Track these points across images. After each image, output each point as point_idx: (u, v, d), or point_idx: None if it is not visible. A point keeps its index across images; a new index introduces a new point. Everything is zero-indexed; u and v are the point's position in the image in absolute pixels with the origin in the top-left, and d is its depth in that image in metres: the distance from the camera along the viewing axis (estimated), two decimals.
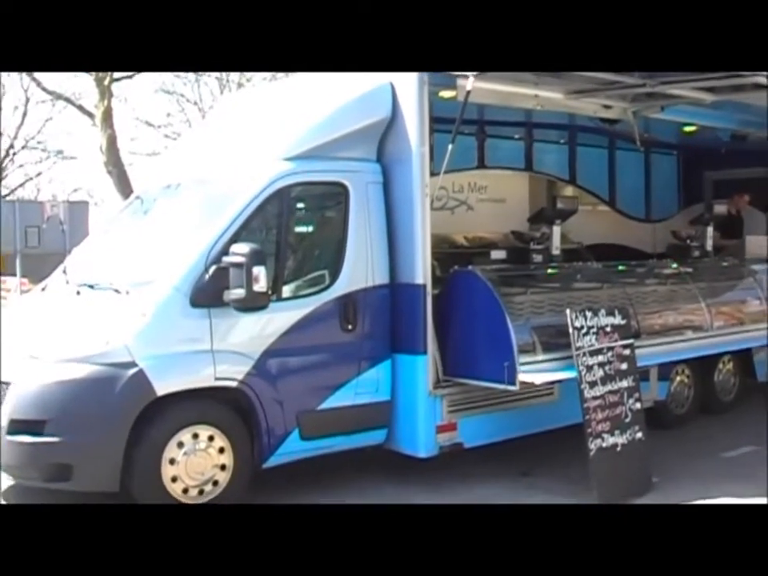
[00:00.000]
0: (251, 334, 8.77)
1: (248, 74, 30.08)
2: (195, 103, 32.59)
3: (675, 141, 15.66)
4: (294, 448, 9.06)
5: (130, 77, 26.43)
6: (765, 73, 9.49)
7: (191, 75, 31.00)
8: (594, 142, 14.90)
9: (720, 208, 13.72)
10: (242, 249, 8.45)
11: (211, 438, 8.59)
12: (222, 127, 11.05)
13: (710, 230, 13.52)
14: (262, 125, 10.14)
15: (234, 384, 8.66)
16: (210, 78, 31.39)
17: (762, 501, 8.73)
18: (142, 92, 38.05)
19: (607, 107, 11.56)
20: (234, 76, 30.91)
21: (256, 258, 8.40)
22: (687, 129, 13.59)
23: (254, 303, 8.52)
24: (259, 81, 28.01)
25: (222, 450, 8.65)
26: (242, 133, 10.31)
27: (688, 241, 13.32)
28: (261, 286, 8.41)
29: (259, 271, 8.38)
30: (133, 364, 8.22)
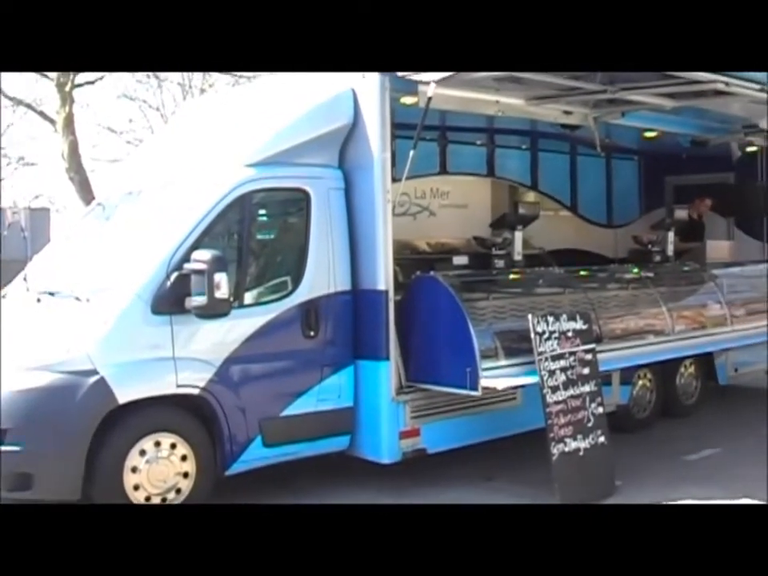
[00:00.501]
0: (213, 341, 8.75)
1: (210, 80, 29.97)
2: (157, 109, 32.40)
3: (636, 146, 15.78)
4: (256, 455, 9.04)
5: (92, 82, 26.25)
6: (724, 79, 9.57)
7: (153, 81, 30.81)
8: (555, 148, 14.99)
9: (681, 213, 13.80)
10: (203, 255, 8.42)
11: (173, 446, 8.56)
12: (184, 133, 11.03)
13: (671, 234, 13.60)
14: (224, 131, 10.11)
15: (195, 391, 8.63)
16: (173, 84, 31.24)
17: (723, 503, 8.79)
18: (104, 98, 37.81)
19: (568, 113, 11.63)
20: (197, 81, 30.79)
21: (217, 264, 8.38)
22: (648, 134, 13.66)
23: (215, 310, 8.50)
24: (221, 87, 27.91)
25: (184, 458, 8.62)
26: (203, 139, 10.29)
27: (649, 246, 13.40)
28: (222, 292, 8.40)
29: (221, 278, 8.37)
30: (94, 372, 8.17)
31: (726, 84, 9.72)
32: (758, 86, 9.97)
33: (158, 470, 8.46)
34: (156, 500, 8.46)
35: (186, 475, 8.63)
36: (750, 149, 14.74)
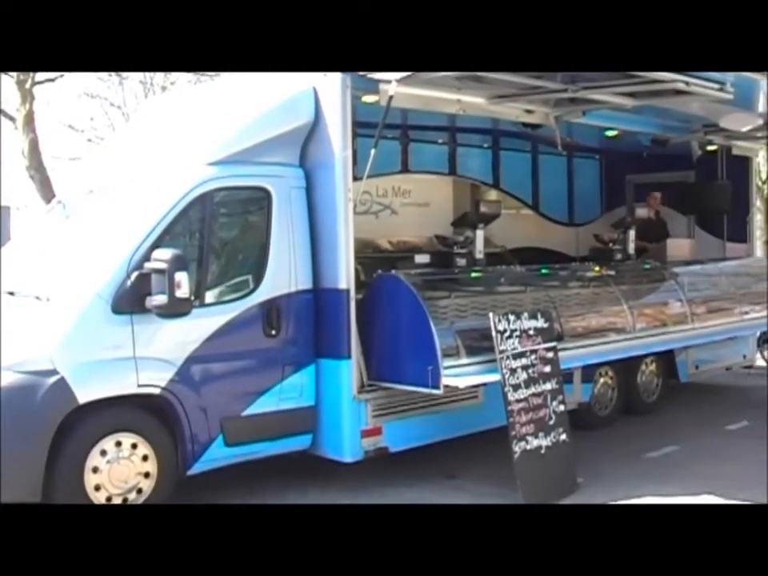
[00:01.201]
0: (174, 340, 8.71)
1: (172, 78, 29.81)
2: (119, 107, 32.18)
3: (598, 145, 15.87)
4: (218, 454, 9.01)
5: (53, 80, 26.04)
6: (684, 78, 9.62)
7: (115, 78, 30.62)
8: (517, 147, 15.07)
9: (641, 211, 13.90)
10: (163, 255, 8.38)
11: (134, 446, 8.52)
12: (146, 131, 10.97)
13: (632, 233, 13.67)
14: (185, 129, 10.07)
15: (157, 391, 8.59)
16: (134, 82, 31.05)
17: (683, 500, 8.85)
18: (65, 96, 37.56)
19: (529, 112, 11.63)
20: (158, 79, 30.60)
21: (178, 263, 8.35)
22: (609, 133, 13.71)
23: (176, 309, 8.45)
24: (183, 84, 27.77)
25: (145, 458, 8.58)
26: (165, 137, 10.25)
27: (610, 244, 13.46)
28: (183, 291, 8.36)
29: (181, 277, 8.33)
30: (54, 372, 8.11)
31: (686, 84, 9.76)
32: (717, 86, 10.02)
33: (119, 471, 8.41)
34: (117, 500, 8.41)
35: (147, 475, 8.59)
36: (709, 147, 14.90)
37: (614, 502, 8.80)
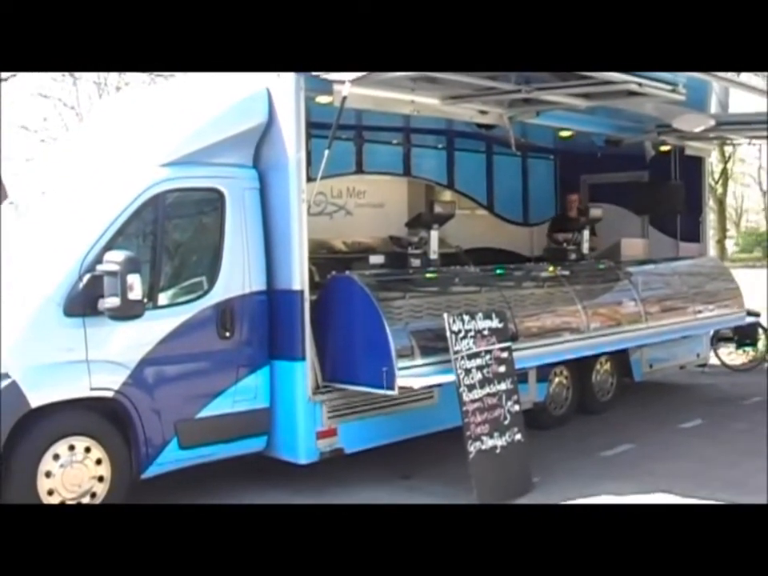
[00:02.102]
0: (127, 342, 8.65)
1: (126, 78, 29.66)
2: (72, 107, 31.98)
3: (552, 145, 15.94)
4: (172, 457, 8.97)
5: (5, 80, 25.86)
6: (637, 80, 9.67)
7: (69, 79, 30.44)
8: (471, 147, 15.10)
9: (596, 212, 13.93)
10: (116, 257, 8.33)
11: (88, 450, 8.47)
12: (99, 132, 10.90)
13: (586, 233, 13.73)
14: (139, 130, 10.01)
15: (110, 394, 8.53)
16: (88, 82, 30.87)
17: (638, 499, 8.91)
18: (18, 96, 37.33)
19: (483, 113, 11.64)
20: (113, 79, 30.46)
21: (130, 265, 8.30)
22: (563, 134, 13.78)
23: (128, 312, 8.40)
24: (137, 85, 27.62)
25: (99, 462, 8.53)
26: (118, 138, 10.17)
27: (564, 244, 13.50)
28: (135, 294, 8.31)
29: (134, 279, 8.28)
30: (5, 376, 8.05)
31: (639, 85, 9.82)
32: (669, 87, 10.08)
33: (72, 475, 8.36)
34: None
35: (101, 479, 8.54)
36: (663, 148, 14.97)
37: (569, 501, 8.84)
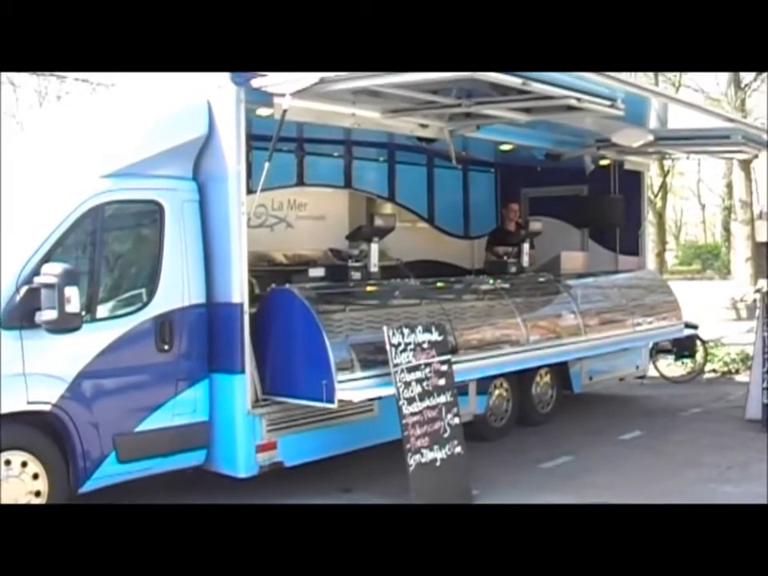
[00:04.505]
0: (65, 356, 8.56)
1: (66, 87, 29.51)
2: (12, 115, 31.73)
3: (493, 159, 16.02)
4: (111, 471, 8.89)
5: None
6: (576, 95, 9.75)
7: (8, 86, 30.27)
8: (412, 160, 15.13)
9: (536, 225, 14.01)
10: (53, 269, 8.26)
11: (24, 464, 8.38)
12: (39, 141, 10.78)
13: (526, 246, 13.80)
14: (78, 140, 9.90)
15: (47, 408, 8.44)
16: (28, 90, 30.71)
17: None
18: None
19: (424, 126, 11.68)
20: (53, 88, 30.32)
21: (68, 277, 8.23)
22: (503, 147, 13.86)
23: (66, 324, 8.32)
24: (78, 94, 27.47)
25: (36, 476, 8.44)
26: (58, 148, 10.06)
27: (504, 257, 13.57)
28: (73, 306, 8.23)
29: (71, 292, 8.20)
30: None
31: (578, 100, 9.89)
32: (608, 102, 10.16)
33: (8, 490, 8.24)
34: None
35: (38, 494, 8.45)
36: (602, 162, 15.09)
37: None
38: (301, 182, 13.41)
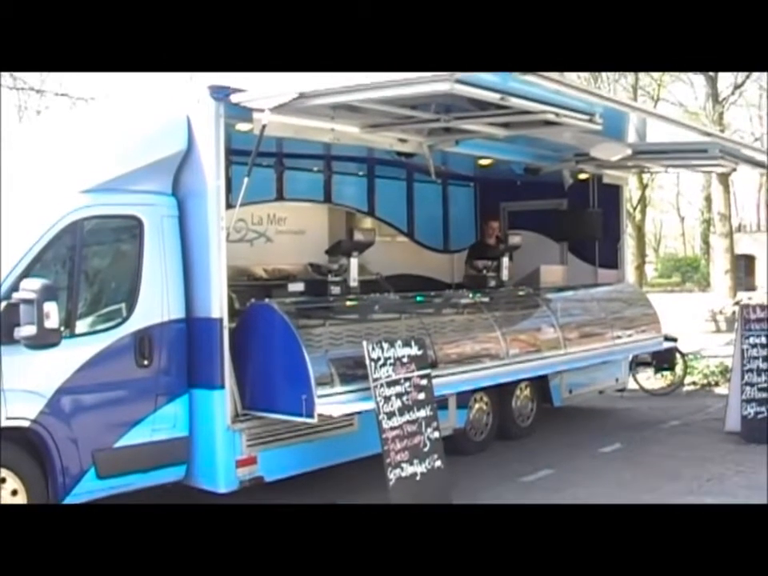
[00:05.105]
0: (44, 371, 8.53)
1: (46, 102, 29.50)
2: None
3: (472, 173, 16.05)
4: (90, 487, 8.86)
5: None
6: (554, 109, 9.79)
7: None
8: (392, 175, 15.16)
9: (515, 239, 14.05)
10: (32, 284, 8.24)
11: (3, 480, 8.35)
12: (19, 156, 10.76)
13: (506, 260, 13.84)
14: (58, 155, 9.90)
15: (26, 424, 8.41)
16: (8, 105, 30.64)
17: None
18: None
19: (403, 141, 11.70)
20: (33, 103, 30.29)
21: (47, 293, 8.21)
22: (482, 162, 13.89)
23: (45, 340, 8.30)
24: (58, 109, 27.45)
25: (15, 493, 8.43)
26: (36, 163, 10.06)
27: (484, 271, 13.60)
28: (52, 322, 8.21)
29: (50, 307, 8.18)
30: None
31: (557, 114, 9.93)
32: (586, 117, 10.21)
33: None
34: None
35: None
36: (581, 176, 15.14)
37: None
38: (280, 197, 13.42)
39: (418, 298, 11.86)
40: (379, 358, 9.36)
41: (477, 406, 12.62)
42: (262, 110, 9.22)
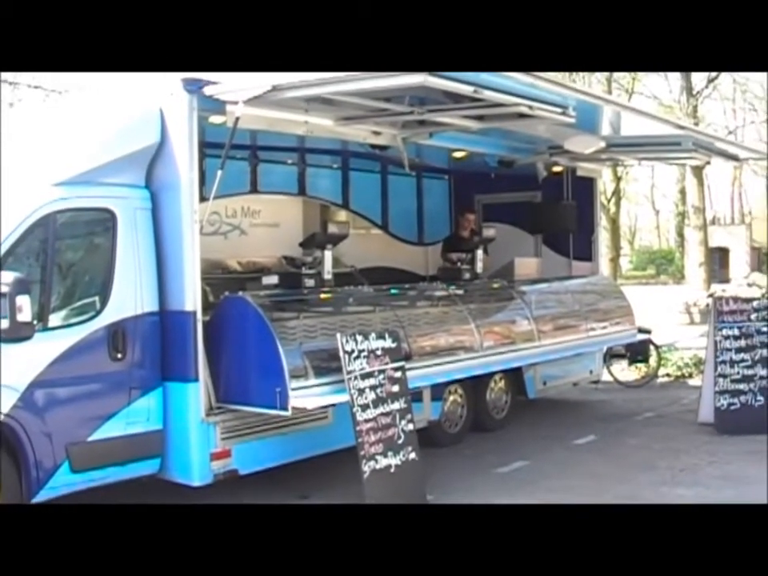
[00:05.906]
0: (16, 365, 8.47)
1: (19, 94, 29.32)
2: None
3: (446, 165, 16.06)
4: (64, 481, 8.84)
5: None
6: (528, 102, 9.82)
7: None
8: (366, 167, 15.16)
9: (489, 231, 14.07)
10: (5, 278, 8.21)
11: None
12: None
13: (479, 252, 13.87)
14: (31, 149, 9.86)
15: None
16: None
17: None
18: None
19: (377, 133, 11.71)
20: (5, 95, 30.10)
21: (19, 286, 8.19)
22: (456, 154, 13.90)
23: (17, 333, 8.30)
24: (31, 102, 27.31)
25: None
26: (8, 156, 9.98)
27: (459, 263, 13.62)
28: (25, 315, 8.20)
29: (23, 300, 8.18)
30: None
31: (530, 107, 9.96)
32: (560, 110, 10.24)
33: None
34: None
35: None
36: (555, 169, 15.15)
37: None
38: (254, 190, 13.39)
39: (393, 291, 11.88)
40: (353, 351, 9.38)
41: (451, 398, 12.63)
42: (235, 103, 9.20)
